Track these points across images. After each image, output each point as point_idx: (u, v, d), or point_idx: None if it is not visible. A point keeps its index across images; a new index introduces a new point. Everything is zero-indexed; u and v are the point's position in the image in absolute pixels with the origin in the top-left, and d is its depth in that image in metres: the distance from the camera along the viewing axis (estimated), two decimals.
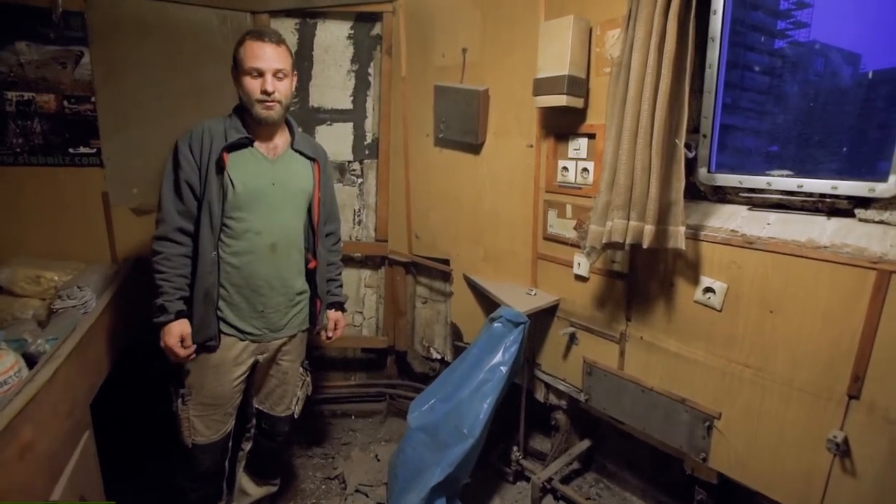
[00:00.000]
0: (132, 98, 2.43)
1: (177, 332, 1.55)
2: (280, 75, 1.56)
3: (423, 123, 2.50)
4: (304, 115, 2.67)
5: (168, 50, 2.41)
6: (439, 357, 2.79)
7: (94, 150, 2.47)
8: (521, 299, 2.08)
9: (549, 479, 2.15)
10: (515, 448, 2.29)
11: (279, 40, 1.56)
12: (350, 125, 2.72)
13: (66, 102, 2.42)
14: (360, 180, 2.78)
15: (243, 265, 1.63)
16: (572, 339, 2.07)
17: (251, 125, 1.62)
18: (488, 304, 2.30)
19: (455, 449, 1.82)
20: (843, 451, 1.36)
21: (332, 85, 2.66)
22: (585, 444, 2.31)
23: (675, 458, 1.92)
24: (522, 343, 1.96)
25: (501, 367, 1.91)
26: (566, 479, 2.27)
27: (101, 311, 1.99)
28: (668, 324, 1.74)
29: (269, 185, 1.63)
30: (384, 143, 2.67)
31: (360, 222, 2.83)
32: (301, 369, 1.91)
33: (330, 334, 1.93)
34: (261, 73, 1.53)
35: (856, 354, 1.32)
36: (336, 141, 2.72)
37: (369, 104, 2.72)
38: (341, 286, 1.99)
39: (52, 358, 1.54)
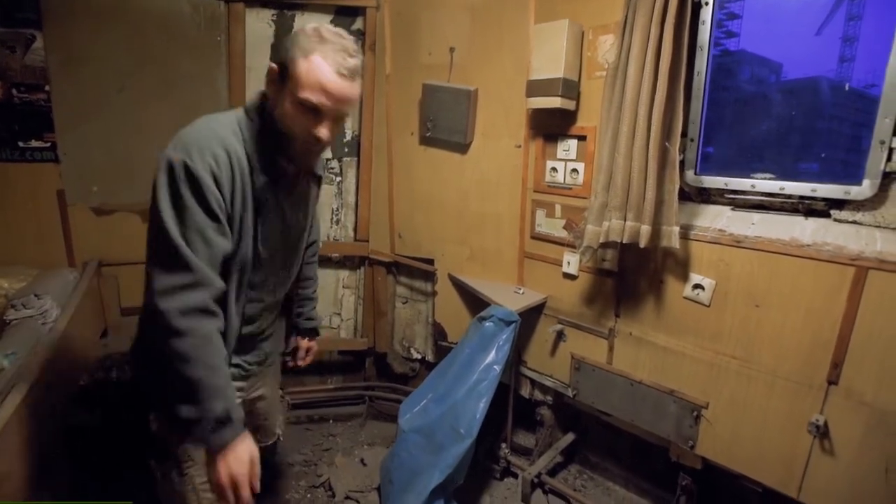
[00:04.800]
0: (92, 89, 2.26)
1: (247, 454, 1.08)
2: (341, 118, 1.15)
3: (407, 122, 2.47)
4: None
5: (133, 38, 2.26)
6: (420, 357, 2.78)
7: (49, 145, 2.27)
8: (509, 298, 2.11)
9: (539, 474, 2.19)
10: (504, 445, 2.32)
11: (357, 73, 1.09)
12: None
13: (14, 91, 2.21)
14: (338, 178, 2.72)
15: (252, 321, 1.30)
16: (560, 336, 2.11)
17: (279, 150, 1.16)
18: (474, 303, 2.31)
19: (453, 450, 1.82)
20: (822, 433, 1.48)
21: None
22: (570, 437, 2.38)
23: (658, 447, 2.01)
24: (514, 342, 1.98)
25: (495, 367, 1.93)
26: (551, 473, 2.32)
27: (68, 323, 1.83)
28: (657, 319, 1.81)
29: (285, 229, 1.27)
30: (366, 140, 2.62)
31: (338, 222, 2.77)
32: (279, 391, 1.73)
33: (300, 362, 1.68)
34: (319, 112, 1.07)
35: (835, 344, 1.43)
36: None
37: None
38: (316, 306, 1.71)
39: (17, 383, 1.39)
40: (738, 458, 1.70)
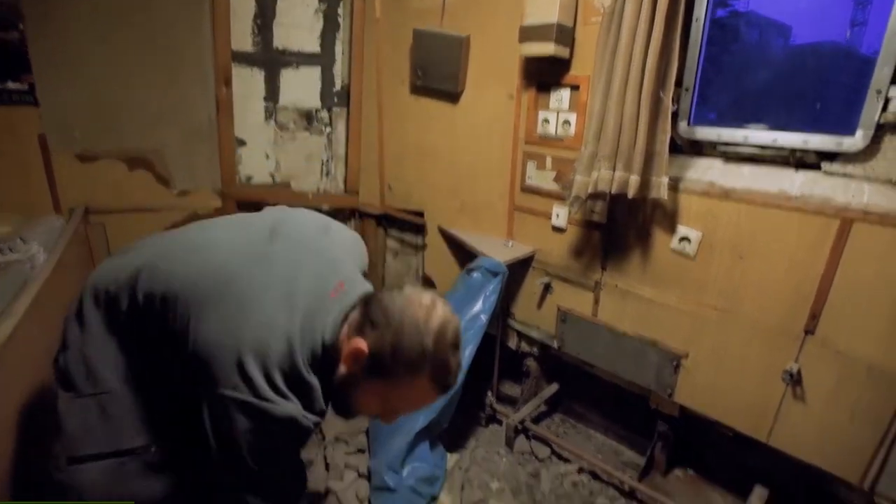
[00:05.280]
0: (70, 28, 2.16)
1: None
2: None
3: (398, 69, 2.40)
4: (268, 58, 2.49)
5: None
6: None
7: (26, 87, 2.19)
8: (498, 250, 2.11)
9: (522, 421, 2.26)
10: (489, 393, 2.38)
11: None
12: (318, 70, 2.57)
13: None
14: (328, 129, 2.66)
15: None
16: (547, 288, 2.14)
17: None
18: (463, 255, 2.32)
19: None
20: (795, 381, 1.52)
21: (299, 24, 2.49)
22: (554, 387, 2.44)
23: (637, 396, 2.07)
24: (501, 292, 2.00)
25: (481, 316, 1.96)
26: (535, 420, 2.40)
27: (55, 266, 1.83)
28: (643, 272, 1.83)
29: None
30: (356, 89, 2.55)
31: (328, 174, 2.74)
32: None
33: None
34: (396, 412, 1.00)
35: (815, 295, 1.46)
36: (303, 86, 2.58)
37: (338, 48, 2.57)
38: None
39: (8, 315, 1.41)
40: (713, 405, 1.76)
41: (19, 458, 1.25)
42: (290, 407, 0.87)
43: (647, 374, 1.89)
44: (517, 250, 2.14)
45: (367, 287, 1.02)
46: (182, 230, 1.14)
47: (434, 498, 1.86)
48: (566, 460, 2.20)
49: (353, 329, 0.92)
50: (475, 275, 2.02)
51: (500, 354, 2.36)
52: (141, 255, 1.06)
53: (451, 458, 2.10)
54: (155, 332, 1.00)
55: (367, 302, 0.94)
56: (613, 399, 2.29)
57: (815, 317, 1.47)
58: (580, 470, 2.14)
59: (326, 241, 1.03)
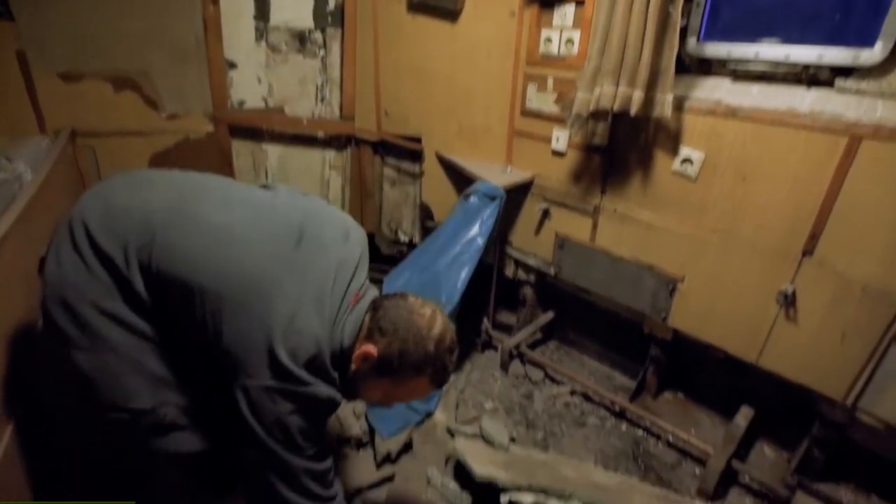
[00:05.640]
0: None
1: None
2: None
3: None
4: None
5: None
6: (407, 240, 2.80)
7: None
8: (496, 176, 2.07)
9: (517, 346, 2.31)
10: (486, 319, 2.42)
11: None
12: None
13: None
14: (322, 52, 2.54)
15: None
16: (545, 214, 2.11)
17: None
18: (461, 182, 2.27)
19: None
20: (790, 302, 1.53)
21: None
22: (549, 315, 2.48)
23: (631, 322, 2.10)
24: (498, 217, 1.98)
25: (478, 240, 1.95)
26: (530, 347, 2.45)
27: (43, 185, 1.79)
28: (643, 195, 1.80)
29: None
30: (350, 7, 2.41)
31: (322, 99, 2.64)
32: None
33: None
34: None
35: (816, 215, 1.44)
36: (295, 4, 2.44)
37: None
38: None
39: None
40: (706, 329, 1.78)
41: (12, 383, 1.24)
42: (327, 388, 0.98)
43: (643, 299, 1.90)
44: (515, 176, 2.10)
45: (374, 292, 1.13)
46: (198, 195, 1.07)
47: (429, 414, 1.92)
48: (559, 383, 2.26)
49: (364, 335, 1.04)
50: (472, 199, 1.99)
51: (496, 282, 2.38)
52: (147, 215, 1.01)
53: None
54: (172, 310, 1.02)
55: (375, 308, 1.06)
56: (608, 326, 2.33)
57: (814, 237, 1.45)
58: (572, 392, 2.21)
59: (347, 248, 1.08)
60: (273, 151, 2.71)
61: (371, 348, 1.01)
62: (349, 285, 1.06)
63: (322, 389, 0.97)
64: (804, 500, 1.65)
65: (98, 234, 1.00)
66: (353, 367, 1.05)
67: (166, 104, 2.45)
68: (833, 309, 1.47)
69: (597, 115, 1.66)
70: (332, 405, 1.02)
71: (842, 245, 1.42)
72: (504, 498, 1.44)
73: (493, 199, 1.95)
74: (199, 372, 1.10)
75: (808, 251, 1.48)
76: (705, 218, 1.66)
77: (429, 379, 1.05)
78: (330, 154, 2.74)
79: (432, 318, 1.04)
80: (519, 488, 1.44)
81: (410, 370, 1.02)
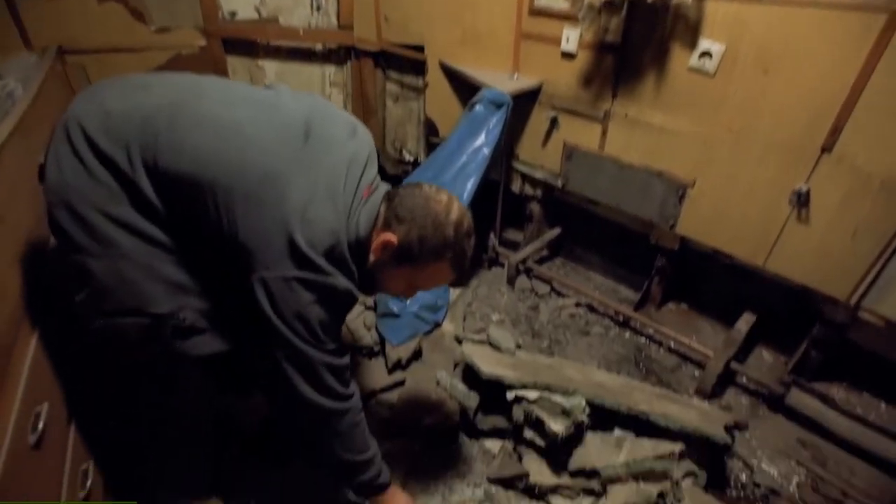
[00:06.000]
0: None
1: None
2: None
3: None
4: None
5: None
6: (412, 159, 2.75)
7: None
8: (502, 84, 1.98)
9: (524, 260, 2.32)
10: (492, 235, 2.42)
11: None
12: None
13: None
14: None
15: None
16: (553, 123, 2.04)
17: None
18: (466, 94, 2.18)
19: None
20: (803, 202, 1.50)
21: None
22: (556, 231, 2.47)
23: (639, 235, 2.08)
24: (505, 125, 1.92)
25: (484, 149, 1.90)
26: (536, 264, 2.47)
27: (35, 98, 1.74)
28: (656, 96, 1.72)
29: None
30: None
31: (318, 8, 2.49)
32: None
33: None
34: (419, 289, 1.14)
35: (841, 106, 1.36)
36: None
37: None
38: None
39: None
40: (715, 234, 1.77)
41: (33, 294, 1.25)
42: (345, 280, 0.98)
43: (651, 207, 1.88)
44: (523, 82, 2.01)
45: (387, 186, 1.10)
46: (197, 93, 1.03)
47: (437, 324, 1.97)
48: (565, 296, 2.29)
49: (381, 224, 1.03)
50: (478, 108, 1.92)
51: (503, 199, 2.35)
52: (148, 116, 0.96)
53: (454, 293, 2.19)
54: (183, 212, 1.00)
55: (390, 198, 1.04)
56: (614, 240, 2.32)
57: (836, 131, 1.39)
58: (578, 304, 2.24)
59: (355, 144, 1.05)
60: (270, 68, 2.60)
61: (391, 236, 1.00)
62: (360, 180, 1.04)
63: (340, 281, 0.97)
64: (798, 396, 1.70)
65: (97, 136, 0.96)
66: (371, 258, 1.04)
67: (154, 16, 2.32)
68: (847, 206, 1.44)
69: (610, 5, 1.56)
70: (350, 298, 1.02)
71: (864, 138, 1.36)
72: (510, 394, 1.49)
73: (499, 106, 1.88)
74: (215, 276, 1.11)
75: (827, 147, 1.42)
76: (720, 117, 1.59)
77: (449, 264, 1.04)
78: (330, 69, 2.63)
79: (449, 203, 1.03)
80: (524, 386, 1.49)
81: (431, 256, 1.02)
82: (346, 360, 1.07)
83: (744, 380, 1.87)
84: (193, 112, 0.98)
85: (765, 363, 1.98)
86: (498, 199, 2.34)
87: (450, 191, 1.59)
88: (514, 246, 2.53)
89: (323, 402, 1.04)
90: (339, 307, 1.02)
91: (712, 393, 1.80)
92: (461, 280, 1.14)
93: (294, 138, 0.98)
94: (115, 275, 1.01)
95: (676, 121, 1.69)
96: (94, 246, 0.99)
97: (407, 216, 1.00)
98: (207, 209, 0.96)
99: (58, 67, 2.15)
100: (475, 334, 1.94)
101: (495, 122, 1.88)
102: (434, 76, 2.33)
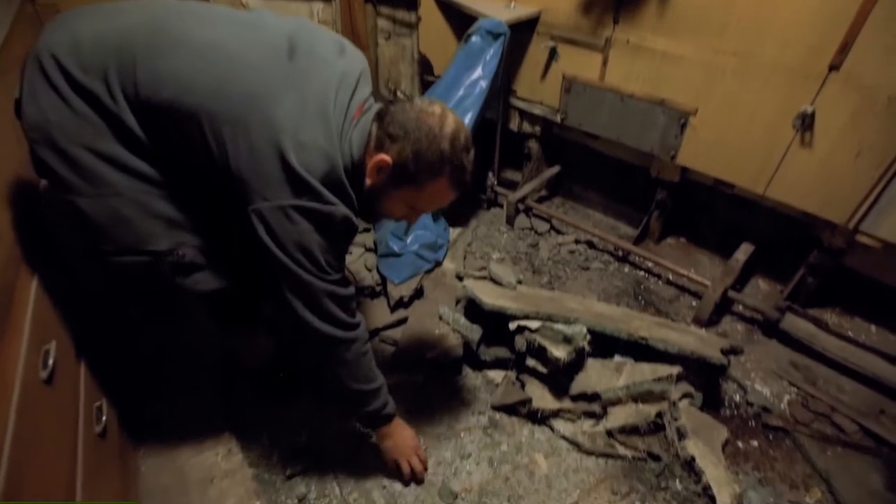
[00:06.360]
0: None
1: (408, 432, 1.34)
2: None
3: None
4: None
5: None
6: None
7: None
8: (499, 13, 1.90)
9: (523, 199, 2.31)
10: (490, 175, 2.39)
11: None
12: None
13: None
14: None
15: None
16: (552, 54, 1.97)
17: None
18: (461, 27, 2.09)
19: None
20: (807, 124, 1.48)
21: None
22: (555, 169, 2.44)
23: (638, 168, 2.07)
24: (502, 57, 1.86)
25: (481, 82, 1.85)
26: (536, 202, 2.45)
27: (7, 37, 1.66)
28: (659, 20, 1.65)
29: None
30: None
31: None
32: None
33: None
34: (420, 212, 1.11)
35: (851, 21, 1.32)
36: None
37: None
38: None
39: None
40: (716, 163, 1.75)
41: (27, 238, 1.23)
42: (344, 208, 0.95)
43: (652, 138, 1.85)
44: (520, 11, 1.93)
45: (378, 105, 1.04)
46: (175, 13, 0.96)
47: (438, 263, 1.98)
48: (564, 234, 2.30)
49: (374, 145, 0.98)
50: (474, 39, 1.85)
51: (500, 138, 2.30)
52: (122, 40, 0.90)
53: (454, 233, 2.19)
54: (172, 144, 0.96)
55: (381, 117, 0.98)
56: (613, 176, 2.30)
57: (844, 49, 1.35)
58: (577, 240, 2.25)
59: (345, 61, 1.00)
60: (254, 3, 2.48)
61: (384, 156, 0.96)
62: (351, 99, 0.98)
63: (340, 208, 0.94)
64: (792, 320, 1.75)
65: (72, 68, 0.91)
66: (368, 181, 1.01)
67: None
68: (851, 126, 1.42)
69: None
70: (351, 226, 0.99)
71: (873, 54, 1.32)
72: (513, 325, 1.52)
73: (496, 36, 1.81)
74: (212, 211, 1.09)
75: (834, 66, 1.38)
76: (725, 39, 1.54)
77: (448, 180, 0.99)
78: (318, 6, 2.50)
79: (443, 115, 0.97)
80: (527, 316, 1.51)
81: (428, 173, 0.97)
82: (350, 290, 1.07)
83: (740, 308, 1.91)
84: (172, 34, 0.93)
85: (761, 292, 2.01)
86: (496, 139, 2.30)
87: None
88: (513, 186, 2.50)
89: (329, 331, 1.04)
90: (340, 235, 0.99)
91: (709, 321, 1.84)
92: (463, 195, 1.11)
93: (279, 57, 0.94)
94: (108, 214, 0.99)
95: (680, 45, 1.64)
96: (83, 185, 0.97)
97: (399, 133, 0.95)
98: (195, 139, 0.93)
99: (28, 9, 2.03)
100: (476, 271, 1.96)
101: (492, 53, 1.81)
102: (427, 9, 2.23)
